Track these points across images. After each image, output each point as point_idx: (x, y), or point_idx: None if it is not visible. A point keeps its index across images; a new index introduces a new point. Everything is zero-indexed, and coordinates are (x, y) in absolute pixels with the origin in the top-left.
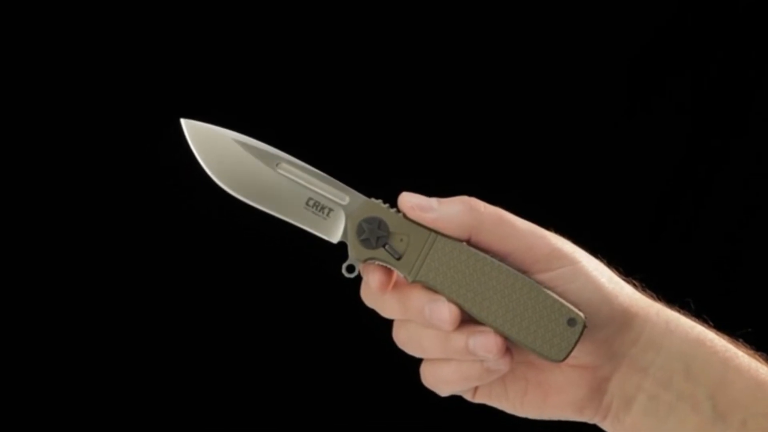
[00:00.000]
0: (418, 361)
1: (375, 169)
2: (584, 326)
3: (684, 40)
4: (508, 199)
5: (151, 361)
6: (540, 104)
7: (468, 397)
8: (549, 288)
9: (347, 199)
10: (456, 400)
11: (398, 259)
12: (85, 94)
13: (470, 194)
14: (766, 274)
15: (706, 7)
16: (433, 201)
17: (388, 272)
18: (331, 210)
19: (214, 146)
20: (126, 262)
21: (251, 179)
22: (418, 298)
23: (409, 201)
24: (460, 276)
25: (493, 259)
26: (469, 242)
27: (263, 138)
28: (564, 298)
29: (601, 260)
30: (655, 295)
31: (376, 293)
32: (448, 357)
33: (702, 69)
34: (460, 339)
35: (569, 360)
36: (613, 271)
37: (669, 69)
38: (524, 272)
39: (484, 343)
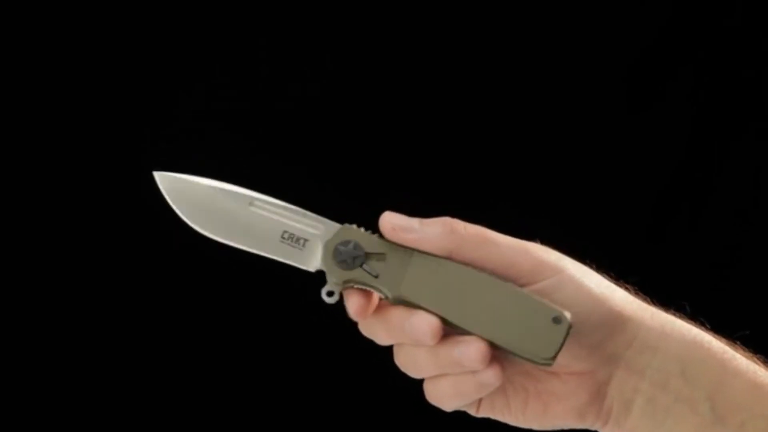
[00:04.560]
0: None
1: (361, 173)
2: (570, 325)
3: (684, 41)
4: (507, 202)
5: (145, 366)
6: (539, 106)
7: (472, 412)
8: None
9: (321, 228)
10: (461, 414)
11: (376, 277)
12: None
13: (466, 195)
14: (765, 276)
15: (706, 7)
16: (415, 222)
17: (367, 295)
18: (306, 240)
19: (187, 194)
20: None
21: (225, 220)
22: (398, 316)
23: (391, 222)
24: (439, 288)
25: (472, 269)
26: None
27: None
28: None
29: (590, 266)
30: (649, 299)
31: (358, 318)
32: (442, 372)
33: (702, 71)
34: (447, 351)
35: (566, 368)
36: (604, 276)
37: (669, 72)
38: None
39: (468, 351)
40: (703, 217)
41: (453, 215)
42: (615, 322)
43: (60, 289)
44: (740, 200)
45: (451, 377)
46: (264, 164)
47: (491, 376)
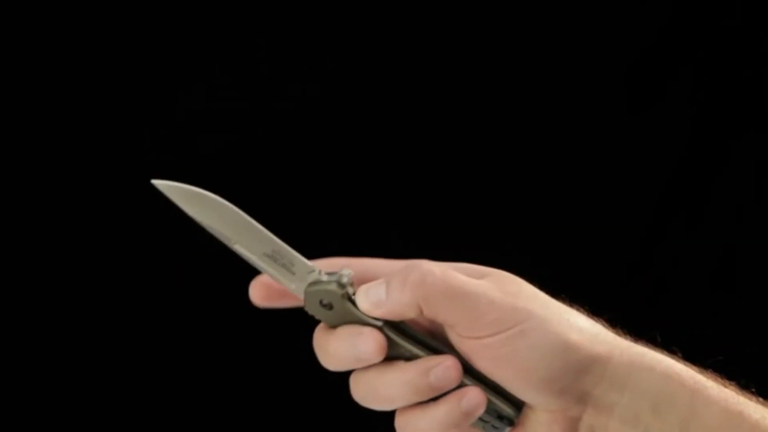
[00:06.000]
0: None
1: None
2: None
3: (684, 41)
4: (505, 200)
5: (144, 366)
6: (539, 106)
7: None
8: (497, 349)
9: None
10: None
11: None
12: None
13: (464, 194)
14: (765, 276)
15: (706, 7)
16: (382, 293)
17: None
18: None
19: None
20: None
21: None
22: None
23: (361, 304)
24: None
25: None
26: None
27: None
28: (512, 359)
29: (564, 301)
30: (622, 331)
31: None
32: (410, 400)
33: (702, 71)
34: (419, 374)
35: (537, 408)
36: (578, 310)
37: (669, 72)
38: (474, 339)
39: (442, 372)
40: (703, 217)
41: (451, 212)
42: (580, 366)
43: (58, 289)
44: (740, 200)
45: (432, 409)
46: (264, 164)
47: (476, 396)
